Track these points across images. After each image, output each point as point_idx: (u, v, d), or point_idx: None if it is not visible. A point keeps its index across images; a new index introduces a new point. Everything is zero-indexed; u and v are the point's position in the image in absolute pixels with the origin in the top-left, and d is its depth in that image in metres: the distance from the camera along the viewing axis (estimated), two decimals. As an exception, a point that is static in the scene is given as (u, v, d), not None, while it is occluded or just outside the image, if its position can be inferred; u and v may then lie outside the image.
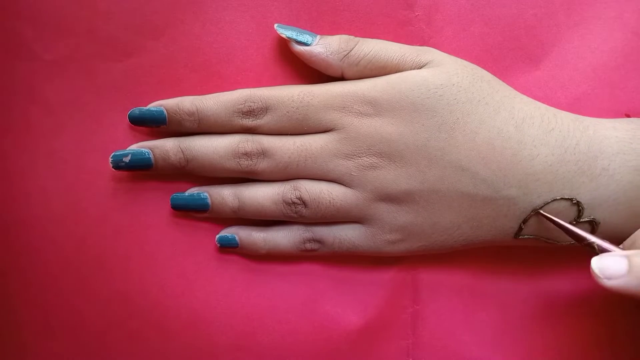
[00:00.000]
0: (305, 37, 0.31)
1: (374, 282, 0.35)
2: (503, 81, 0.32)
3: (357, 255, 0.33)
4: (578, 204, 0.30)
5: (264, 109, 0.31)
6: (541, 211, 0.30)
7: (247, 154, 0.32)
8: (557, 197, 0.30)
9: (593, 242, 0.28)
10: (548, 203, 0.30)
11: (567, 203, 0.30)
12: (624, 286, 0.25)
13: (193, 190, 0.34)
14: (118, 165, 0.33)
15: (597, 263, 0.26)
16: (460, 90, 0.30)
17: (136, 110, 0.32)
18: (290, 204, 0.32)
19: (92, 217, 0.34)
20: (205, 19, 0.33)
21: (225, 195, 0.33)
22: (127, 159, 0.33)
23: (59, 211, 0.34)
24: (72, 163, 0.34)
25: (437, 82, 0.30)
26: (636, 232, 0.28)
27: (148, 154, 0.33)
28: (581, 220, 0.30)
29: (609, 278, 0.25)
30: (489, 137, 0.30)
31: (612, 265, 0.25)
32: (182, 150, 0.32)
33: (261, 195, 0.32)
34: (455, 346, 0.35)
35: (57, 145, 0.34)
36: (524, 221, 0.30)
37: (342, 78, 0.32)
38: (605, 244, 0.27)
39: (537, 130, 0.30)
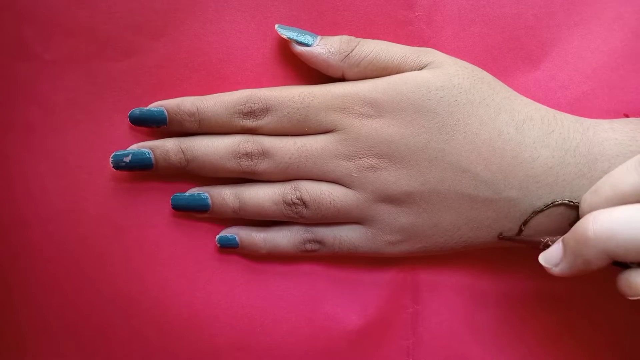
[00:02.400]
0: (305, 38, 0.31)
1: (374, 282, 0.35)
2: (503, 82, 0.32)
3: (357, 255, 0.34)
4: (578, 207, 0.30)
5: (264, 110, 0.31)
6: (503, 234, 0.31)
7: (247, 155, 0.32)
8: (558, 200, 0.30)
9: (548, 240, 0.29)
10: (548, 205, 0.30)
11: (567, 205, 0.30)
12: (568, 267, 0.26)
13: (193, 191, 0.34)
14: (118, 165, 0.33)
15: (542, 256, 0.28)
16: (461, 92, 0.30)
17: (137, 110, 0.32)
18: (290, 204, 0.32)
19: (92, 217, 0.34)
20: (205, 19, 0.33)
21: (226, 195, 0.33)
22: (127, 159, 0.33)
23: (59, 211, 0.34)
24: (72, 163, 0.34)
25: (437, 83, 0.30)
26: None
27: (149, 154, 0.33)
28: None
29: (555, 265, 0.27)
30: (489, 139, 0.30)
31: (552, 252, 0.27)
32: (182, 151, 0.32)
33: (262, 195, 0.32)
34: (456, 346, 0.35)
35: (57, 145, 0.34)
36: (524, 223, 0.30)
37: (342, 79, 0.32)
38: (556, 237, 0.28)
39: (538, 132, 0.30)
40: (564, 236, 0.27)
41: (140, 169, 0.33)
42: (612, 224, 0.24)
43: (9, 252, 0.34)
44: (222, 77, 0.33)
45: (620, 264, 0.25)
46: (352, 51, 0.31)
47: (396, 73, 0.31)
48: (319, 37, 0.31)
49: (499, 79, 0.32)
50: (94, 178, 0.34)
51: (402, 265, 0.35)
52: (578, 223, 0.26)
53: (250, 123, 0.32)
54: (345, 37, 0.31)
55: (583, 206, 0.27)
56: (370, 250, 0.33)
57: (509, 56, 0.33)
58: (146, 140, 0.33)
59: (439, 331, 0.35)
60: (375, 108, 0.30)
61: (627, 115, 0.32)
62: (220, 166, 0.32)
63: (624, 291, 0.25)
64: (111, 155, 0.33)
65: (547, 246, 0.28)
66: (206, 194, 0.33)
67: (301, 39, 0.31)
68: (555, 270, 0.27)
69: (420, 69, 0.31)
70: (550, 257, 0.27)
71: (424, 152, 0.30)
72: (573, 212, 0.30)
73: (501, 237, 0.31)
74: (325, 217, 0.32)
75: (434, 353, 0.35)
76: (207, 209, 0.33)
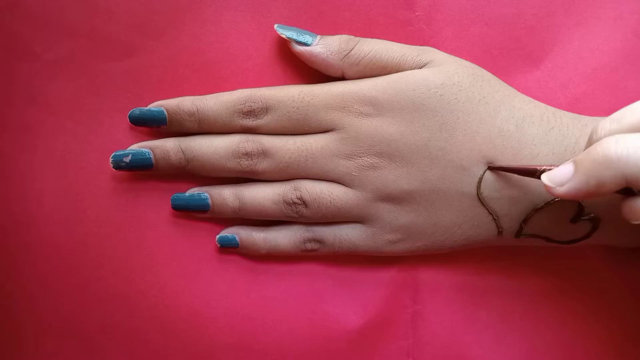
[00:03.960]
0: (305, 38, 0.31)
1: (374, 282, 0.35)
2: (503, 81, 0.32)
3: (358, 255, 0.34)
4: (579, 202, 0.30)
5: (264, 109, 0.31)
6: (494, 164, 0.30)
7: (247, 154, 0.32)
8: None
9: (545, 168, 0.27)
10: (549, 202, 0.30)
11: (568, 201, 0.30)
12: (577, 187, 0.25)
13: (193, 191, 0.34)
14: (118, 165, 0.33)
15: (547, 175, 0.26)
16: (461, 90, 0.30)
17: (136, 110, 0.32)
18: (290, 204, 0.32)
19: (92, 217, 0.34)
20: (206, 19, 0.33)
21: (226, 195, 0.33)
22: (127, 159, 0.33)
23: (59, 211, 0.34)
24: (72, 163, 0.34)
25: (437, 81, 0.30)
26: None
27: (148, 154, 0.33)
28: (582, 218, 0.30)
29: (560, 185, 0.25)
30: (489, 137, 0.30)
31: (560, 172, 0.26)
32: (182, 150, 0.32)
33: (262, 195, 0.32)
34: (456, 346, 0.35)
35: (57, 145, 0.34)
36: (525, 221, 0.30)
37: (342, 78, 0.32)
38: (552, 166, 0.27)
39: (537, 129, 0.30)
40: (575, 157, 0.25)
41: (140, 169, 0.33)
42: (638, 148, 0.23)
43: (9, 252, 0.34)
44: (222, 77, 0.33)
45: (626, 192, 0.25)
46: (351, 50, 0.31)
47: (396, 72, 0.31)
48: (318, 37, 0.31)
49: (499, 78, 0.32)
50: (94, 178, 0.34)
51: (403, 265, 0.35)
52: (595, 145, 0.24)
53: (250, 122, 0.32)
54: (344, 37, 0.31)
55: (600, 133, 0.25)
56: (371, 249, 0.33)
57: (509, 56, 0.33)
58: (146, 140, 0.33)
59: (439, 331, 0.35)
60: (375, 107, 0.30)
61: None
62: (220, 166, 0.32)
63: (628, 217, 0.25)
64: (111, 155, 0.33)
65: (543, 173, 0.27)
66: (206, 194, 0.33)
67: (301, 38, 0.31)
68: (560, 190, 0.25)
69: (420, 67, 0.31)
70: (556, 176, 0.26)
71: (424, 150, 0.30)
72: (574, 207, 0.30)
73: (491, 167, 0.30)
74: (326, 216, 0.32)
75: (434, 353, 0.35)
76: (207, 209, 0.33)
